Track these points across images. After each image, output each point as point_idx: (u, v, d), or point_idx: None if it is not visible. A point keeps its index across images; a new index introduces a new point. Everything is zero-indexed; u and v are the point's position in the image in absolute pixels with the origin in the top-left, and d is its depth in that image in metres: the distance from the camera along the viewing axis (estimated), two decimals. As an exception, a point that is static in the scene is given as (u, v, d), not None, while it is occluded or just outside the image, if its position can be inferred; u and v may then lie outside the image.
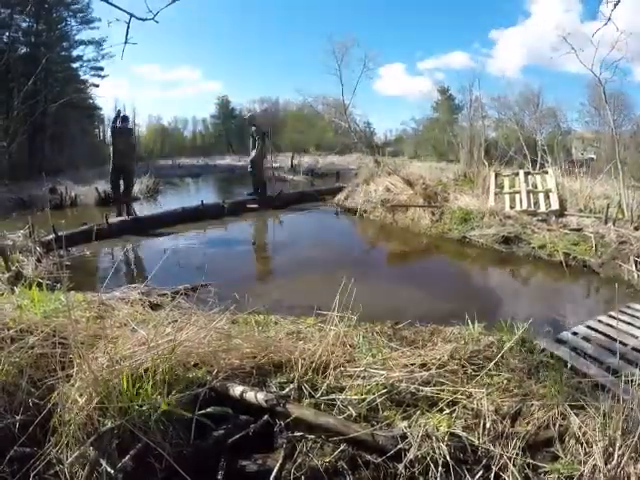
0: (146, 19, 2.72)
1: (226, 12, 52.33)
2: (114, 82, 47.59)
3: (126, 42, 2.81)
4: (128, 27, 2.72)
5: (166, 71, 62.20)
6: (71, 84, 19.64)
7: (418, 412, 1.87)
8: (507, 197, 7.89)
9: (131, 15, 2.69)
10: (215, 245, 6.67)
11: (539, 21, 38.76)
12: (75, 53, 19.84)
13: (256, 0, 48.80)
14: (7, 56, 14.23)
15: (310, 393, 1.96)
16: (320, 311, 2.71)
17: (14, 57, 15.71)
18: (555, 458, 1.73)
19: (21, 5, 15.90)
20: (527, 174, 8.45)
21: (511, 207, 7.56)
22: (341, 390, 1.98)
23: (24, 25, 17.40)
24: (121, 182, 7.44)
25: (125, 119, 7.42)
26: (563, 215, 7.04)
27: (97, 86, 21.17)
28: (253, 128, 10.03)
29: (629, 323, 3.23)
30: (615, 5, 3.60)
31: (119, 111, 8.14)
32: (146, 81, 50.64)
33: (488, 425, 1.80)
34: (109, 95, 49.97)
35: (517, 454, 1.69)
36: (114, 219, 7.32)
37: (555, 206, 7.19)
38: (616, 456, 1.61)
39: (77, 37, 19.47)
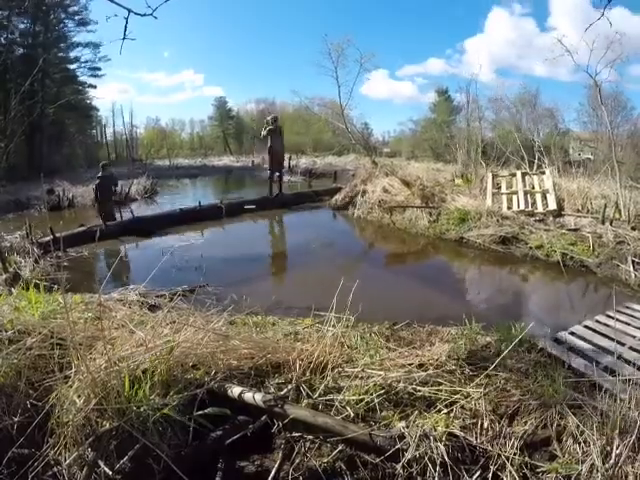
0: (145, 14, 2.72)
1: (225, 15, 52.72)
2: (119, 87, 48.31)
3: (124, 38, 2.80)
4: (126, 23, 2.72)
5: (170, 75, 62.49)
6: (68, 85, 19.64)
7: (416, 412, 1.87)
8: (504, 198, 7.90)
9: (129, 10, 2.69)
10: (213, 246, 6.66)
11: (495, 33, 41.27)
12: (72, 54, 19.83)
13: (254, 2, 49.21)
14: (5, 57, 14.20)
15: (308, 394, 1.96)
16: (318, 312, 2.72)
17: (12, 58, 15.68)
18: (553, 457, 1.74)
19: (19, 6, 15.89)
20: (524, 175, 8.47)
21: (508, 208, 7.58)
22: (339, 390, 1.98)
23: (22, 27, 17.43)
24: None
25: (104, 167, 7.87)
26: (560, 215, 7.06)
27: (94, 87, 21.14)
28: (269, 128, 9.84)
29: (626, 323, 3.24)
30: (609, 0, 3.69)
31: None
32: (151, 87, 51.11)
33: (486, 425, 1.81)
34: (109, 98, 50.37)
35: (515, 454, 1.69)
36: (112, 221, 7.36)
37: (552, 206, 7.21)
38: (614, 455, 1.62)
39: (74, 39, 19.49)
